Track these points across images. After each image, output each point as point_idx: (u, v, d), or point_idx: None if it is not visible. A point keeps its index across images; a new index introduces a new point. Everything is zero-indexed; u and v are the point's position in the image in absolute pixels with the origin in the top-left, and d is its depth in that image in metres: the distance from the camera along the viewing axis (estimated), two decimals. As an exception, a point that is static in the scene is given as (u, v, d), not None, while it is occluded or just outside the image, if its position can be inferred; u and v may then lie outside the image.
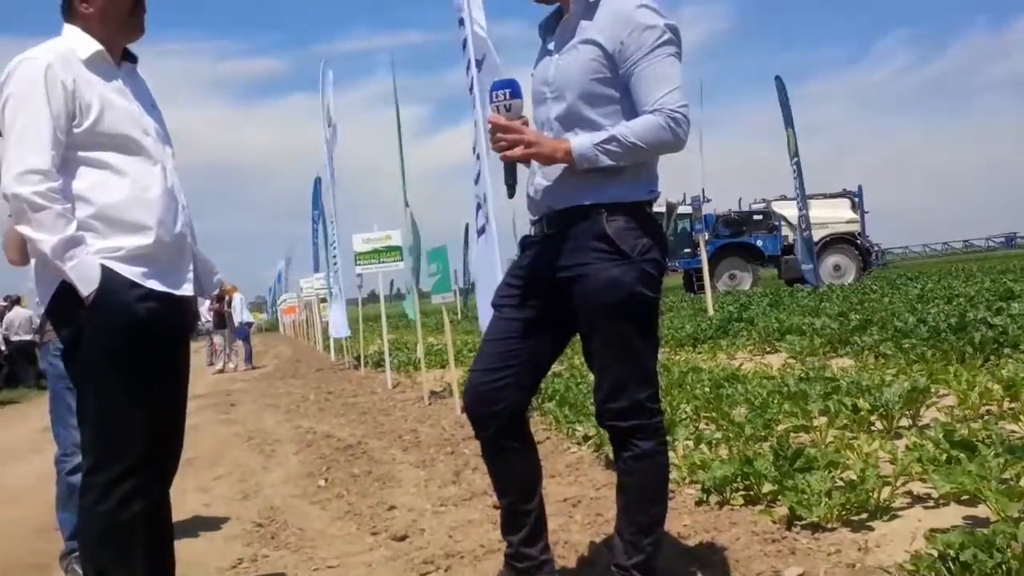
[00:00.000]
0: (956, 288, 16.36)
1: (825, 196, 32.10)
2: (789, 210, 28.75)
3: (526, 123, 2.94)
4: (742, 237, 32.81)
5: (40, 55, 2.83)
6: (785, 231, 31.87)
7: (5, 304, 21.68)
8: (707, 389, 7.00)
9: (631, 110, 2.85)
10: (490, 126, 2.90)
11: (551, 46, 3.06)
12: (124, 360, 2.85)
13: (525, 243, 3.18)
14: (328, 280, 18.84)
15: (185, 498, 5.61)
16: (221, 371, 21.75)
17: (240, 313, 22.49)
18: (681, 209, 31.71)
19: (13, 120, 2.78)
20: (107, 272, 2.80)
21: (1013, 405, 5.38)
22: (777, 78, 21.61)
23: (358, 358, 16.63)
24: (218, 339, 23.31)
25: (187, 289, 3.05)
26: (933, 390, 5.73)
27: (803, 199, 22.11)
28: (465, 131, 7.35)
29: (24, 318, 19.98)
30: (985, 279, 19.05)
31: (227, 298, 22.69)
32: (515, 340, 3.02)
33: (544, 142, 2.84)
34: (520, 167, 3.07)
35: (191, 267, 3.09)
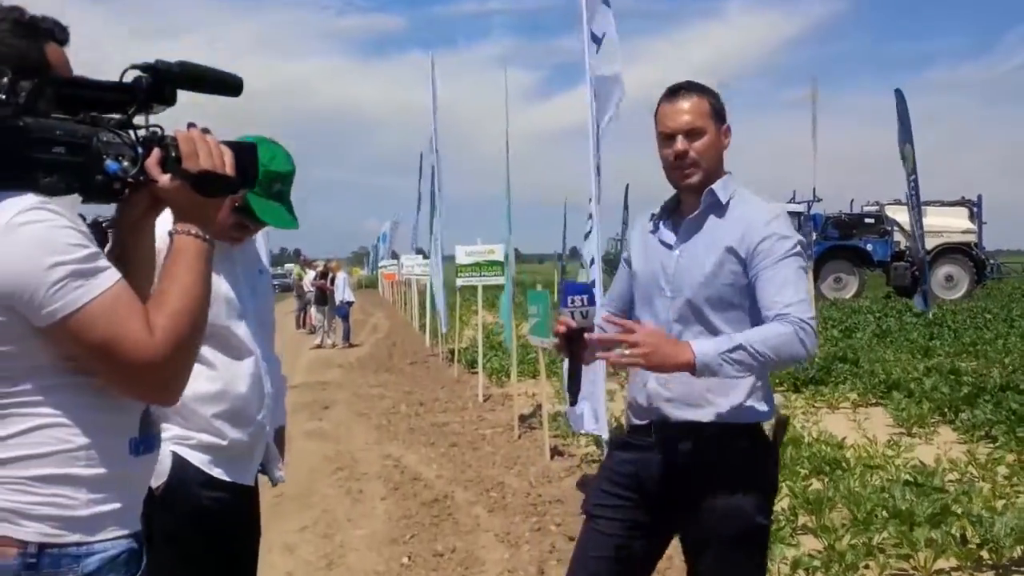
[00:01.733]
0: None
1: (942, 204, 30.78)
2: (903, 215, 27.57)
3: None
4: (851, 240, 31.65)
5: None
6: (897, 236, 30.63)
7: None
8: (807, 471, 6.83)
9: (757, 319, 2.67)
10: (563, 329, 2.84)
11: (671, 240, 2.89)
12: (190, 548, 2.78)
13: (620, 443, 3.01)
14: (432, 266, 18.91)
15: (271, 558, 5.63)
16: (319, 346, 22.11)
17: (342, 292, 22.73)
18: (791, 207, 30.83)
19: None
20: (177, 460, 2.72)
21: None
22: (897, 91, 20.58)
23: (452, 352, 16.61)
24: (317, 314, 23.68)
25: (252, 481, 2.98)
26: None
27: (919, 215, 21.27)
28: (580, 94, 7.20)
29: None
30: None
31: (331, 275, 23.04)
32: (612, 560, 2.83)
33: (660, 347, 2.56)
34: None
35: (261, 458, 3.01)
